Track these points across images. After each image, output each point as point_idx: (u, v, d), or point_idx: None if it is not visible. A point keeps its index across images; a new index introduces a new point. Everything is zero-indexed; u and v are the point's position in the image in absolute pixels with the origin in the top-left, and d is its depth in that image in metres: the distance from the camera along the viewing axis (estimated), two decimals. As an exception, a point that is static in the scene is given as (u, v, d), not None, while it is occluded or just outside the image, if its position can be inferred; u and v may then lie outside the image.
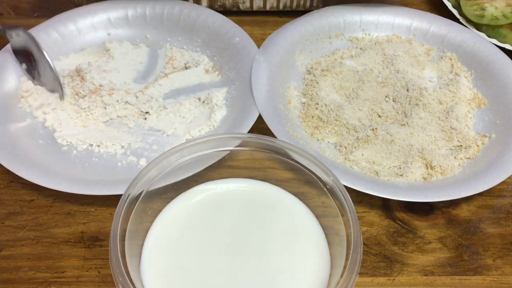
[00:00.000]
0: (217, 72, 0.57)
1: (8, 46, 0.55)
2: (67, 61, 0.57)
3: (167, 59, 0.58)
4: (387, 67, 0.58)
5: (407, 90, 0.55)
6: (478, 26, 0.64)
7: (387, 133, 0.50)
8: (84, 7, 0.60)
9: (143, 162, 0.48)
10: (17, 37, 0.53)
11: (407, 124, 0.51)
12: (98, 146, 0.49)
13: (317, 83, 0.56)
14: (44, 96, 0.53)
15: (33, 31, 0.57)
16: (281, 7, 0.66)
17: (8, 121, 0.50)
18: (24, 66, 0.54)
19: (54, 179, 0.44)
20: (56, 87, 0.53)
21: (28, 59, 0.54)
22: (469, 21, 0.65)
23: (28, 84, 0.53)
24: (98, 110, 0.52)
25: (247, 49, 0.57)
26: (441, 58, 0.60)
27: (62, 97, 0.53)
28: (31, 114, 0.52)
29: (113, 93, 0.52)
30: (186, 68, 0.57)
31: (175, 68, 0.57)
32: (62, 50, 0.58)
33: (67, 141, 0.50)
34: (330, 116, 0.52)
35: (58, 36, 0.58)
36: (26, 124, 0.51)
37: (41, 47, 0.53)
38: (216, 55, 0.59)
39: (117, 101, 0.52)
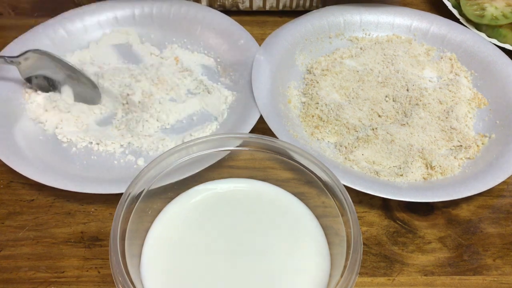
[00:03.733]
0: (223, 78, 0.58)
1: (16, 40, 0.55)
2: (72, 57, 0.57)
3: (172, 59, 0.58)
4: (387, 67, 0.58)
5: (407, 90, 0.55)
6: (478, 26, 0.64)
7: (387, 133, 0.50)
8: (92, 5, 0.61)
9: (141, 162, 0.48)
10: (25, 62, 0.50)
11: (407, 124, 0.51)
12: (98, 144, 0.49)
13: (317, 82, 0.56)
14: (47, 93, 0.53)
15: (40, 28, 0.57)
16: (280, 7, 0.66)
17: (10, 116, 0.50)
18: (39, 89, 0.52)
19: (51, 176, 0.44)
20: (89, 94, 0.52)
21: (43, 79, 0.52)
22: (469, 21, 0.65)
23: None
24: (100, 108, 0.52)
25: (251, 51, 0.57)
26: (441, 58, 0.60)
27: (99, 96, 0.52)
28: (33, 110, 0.52)
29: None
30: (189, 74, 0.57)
31: (179, 68, 0.57)
32: (68, 47, 0.58)
33: (67, 138, 0.50)
34: (330, 116, 0.52)
35: (64, 33, 0.58)
36: (28, 119, 0.51)
37: (62, 60, 0.51)
38: (220, 57, 0.59)
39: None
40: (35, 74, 0.52)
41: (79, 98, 0.53)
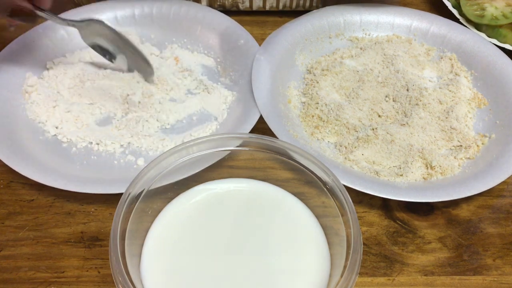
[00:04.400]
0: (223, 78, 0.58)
1: (16, 40, 0.55)
2: (72, 57, 0.57)
3: (172, 59, 0.58)
4: (387, 67, 0.58)
5: (407, 90, 0.55)
6: (478, 26, 0.64)
7: (387, 133, 0.50)
8: (92, 5, 0.61)
9: (141, 162, 0.48)
10: (86, 27, 0.52)
11: (407, 124, 0.51)
12: (98, 144, 0.49)
13: (317, 82, 0.56)
14: (47, 92, 0.53)
15: (40, 28, 0.57)
16: (280, 7, 0.66)
17: (10, 116, 0.50)
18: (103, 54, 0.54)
19: (51, 176, 0.44)
20: (143, 70, 0.54)
21: (102, 47, 0.53)
22: (469, 21, 0.65)
23: (33, 79, 0.53)
24: (100, 108, 0.52)
25: (251, 51, 0.57)
26: (441, 58, 0.60)
27: (152, 73, 0.54)
28: (33, 110, 0.52)
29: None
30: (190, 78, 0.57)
31: (179, 68, 0.57)
32: (68, 47, 0.58)
33: (67, 138, 0.50)
34: (330, 116, 0.52)
35: (64, 33, 0.58)
36: (28, 119, 0.51)
37: (117, 33, 0.52)
38: (220, 57, 0.59)
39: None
40: (93, 42, 0.53)
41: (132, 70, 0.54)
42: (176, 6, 0.62)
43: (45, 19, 0.50)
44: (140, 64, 0.54)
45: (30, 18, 0.46)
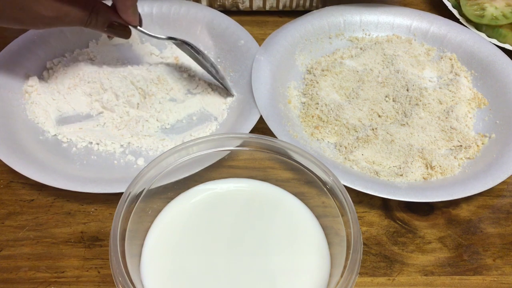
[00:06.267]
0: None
1: (16, 41, 0.55)
2: (72, 57, 0.57)
3: (172, 59, 0.58)
4: (387, 67, 0.58)
5: (407, 90, 0.55)
6: (478, 26, 0.64)
7: (387, 133, 0.50)
8: None
9: (141, 162, 0.48)
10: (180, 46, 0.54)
11: (407, 124, 0.51)
12: (98, 144, 0.49)
13: (317, 83, 0.56)
14: (48, 92, 0.53)
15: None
16: (280, 7, 0.66)
17: (10, 116, 0.50)
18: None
19: (51, 176, 0.44)
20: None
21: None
22: (469, 21, 0.65)
23: (33, 79, 0.53)
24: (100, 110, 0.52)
25: (251, 51, 0.57)
26: (441, 58, 0.60)
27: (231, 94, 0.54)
28: (33, 110, 0.52)
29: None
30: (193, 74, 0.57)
31: (180, 68, 0.57)
32: (68, 47, 0.58)
33: (67, 138, 0.50)
34: (330, 116, 0.52)
35: (64, 34, 0.58)
36: (28, 119, 0.51)
37: (198, 52, 0.53)
38: (220, 57, 0.59)
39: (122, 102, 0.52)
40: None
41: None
42: (176, 6, 0.62)
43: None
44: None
45: (124, 33, 0.51)
